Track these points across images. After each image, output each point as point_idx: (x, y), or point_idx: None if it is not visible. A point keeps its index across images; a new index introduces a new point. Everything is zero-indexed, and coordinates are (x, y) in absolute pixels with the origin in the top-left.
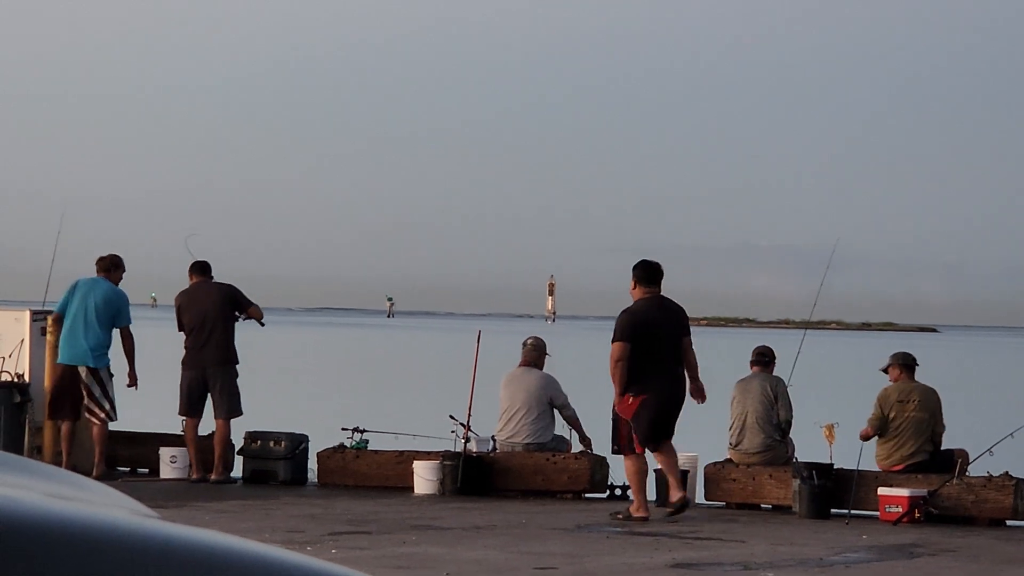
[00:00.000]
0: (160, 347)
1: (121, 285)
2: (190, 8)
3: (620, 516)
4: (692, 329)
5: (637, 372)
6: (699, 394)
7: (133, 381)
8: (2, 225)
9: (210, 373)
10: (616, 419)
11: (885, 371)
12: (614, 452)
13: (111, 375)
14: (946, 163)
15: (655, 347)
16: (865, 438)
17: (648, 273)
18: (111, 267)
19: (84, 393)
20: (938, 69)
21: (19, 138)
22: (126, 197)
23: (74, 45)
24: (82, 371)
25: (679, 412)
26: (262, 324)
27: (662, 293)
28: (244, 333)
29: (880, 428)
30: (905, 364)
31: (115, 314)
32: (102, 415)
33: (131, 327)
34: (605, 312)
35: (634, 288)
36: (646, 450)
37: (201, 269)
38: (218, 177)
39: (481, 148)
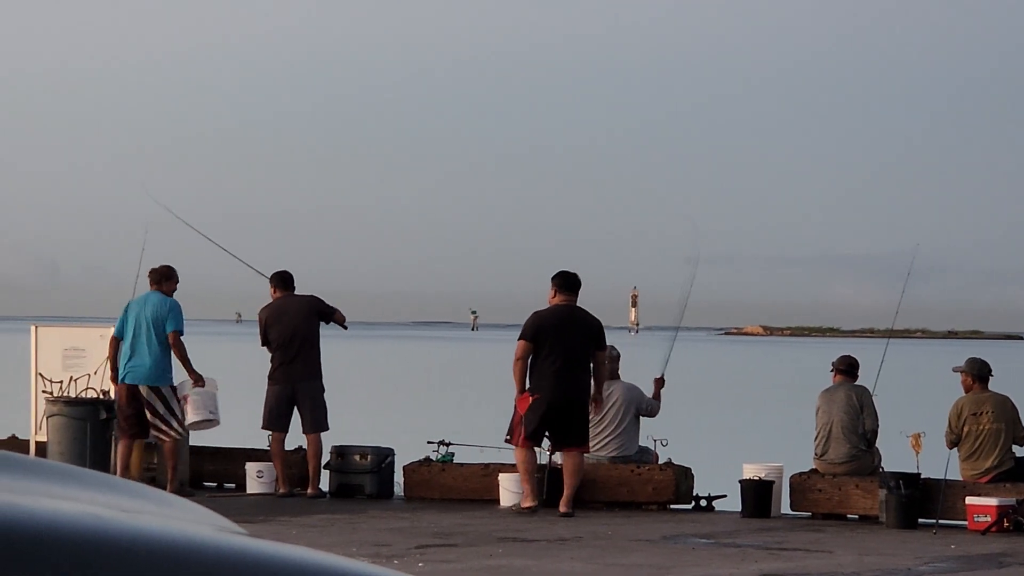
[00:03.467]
0: (246, 362)
1: (206, 302)
2: (274, 34)
3: (514, 508)
4: (774, 339)
5: (536, 372)
6: (595, 406)
7: (197, 381)
8: (87, 242)
9: (299, 388)
10: (515, 412)
11: (958, 372)
12: (505, 441)
13: (175, 391)
14: None
15: (554, 351)
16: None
17: (564, 282)
18: (162, 278)
19: (148, 412)
20: (1020, 67)
21: (103, 155)
22: (209, 214)
23: (164, 63)
24: (143, 390)
25: (578, 416)
26: (345, 328)
27: (578, 304)
28: (331, 346)
29: (953, 442)
30: (979, 375)
31: (165, 323)
32: (172, 433)
33: (182, 335)
34: (688, 322)
35: (553, 296)
36: (553, 447)
37: (283, 282)
38: (300, 197)
39: (562, 163)
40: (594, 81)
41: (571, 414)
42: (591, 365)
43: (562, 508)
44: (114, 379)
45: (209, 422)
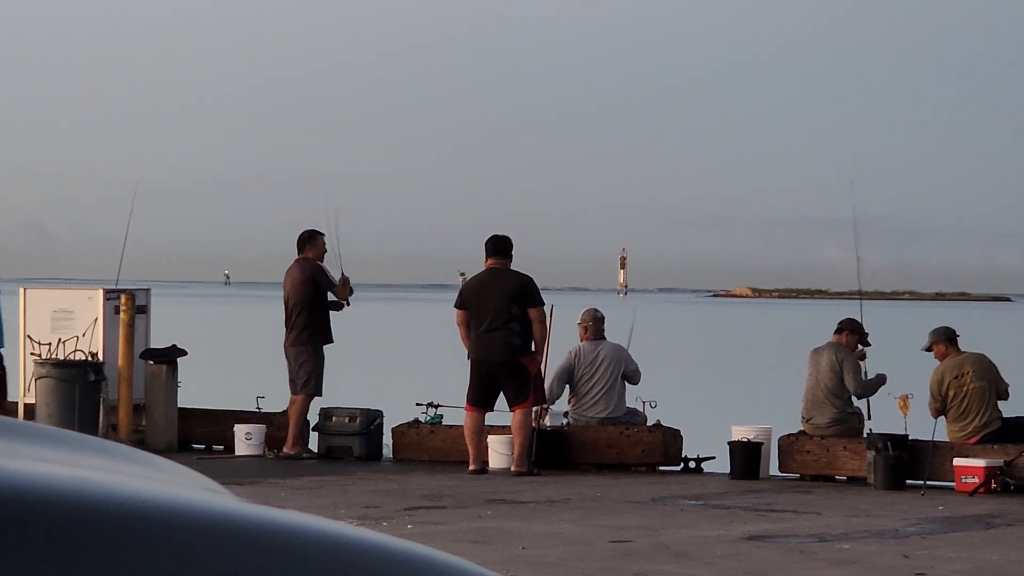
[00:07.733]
0: (234, 325)
1: (194, 264)
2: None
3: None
4: (763, 301)
5: (471, 336)
6: (531, 364)
7: None
8: (76, 205)
9: (287, 352)
10: None
11: (928, 350)
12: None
13: None
14: (1021, 131)
15: (475, 315)
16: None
17: (492, 246)
18: None
19: None
20: (1014, 38)
21: (92, 120)
22: (196, 178)
23: (154, 26)
24: None
25: (507, 376)
26: (348, 303)
27: (512, 267)
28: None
29: (939, 410)
30: (948, 339)
31: None
32: None
33: None
34: (677, 284)
35: (485, 260)
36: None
37: (297, 244)
38: (272, 163)
39: (553, 125)
40: (591, 49)
41: (499, 375)
42: (522, 324)
43: (512, 467)
44: None
45: None
